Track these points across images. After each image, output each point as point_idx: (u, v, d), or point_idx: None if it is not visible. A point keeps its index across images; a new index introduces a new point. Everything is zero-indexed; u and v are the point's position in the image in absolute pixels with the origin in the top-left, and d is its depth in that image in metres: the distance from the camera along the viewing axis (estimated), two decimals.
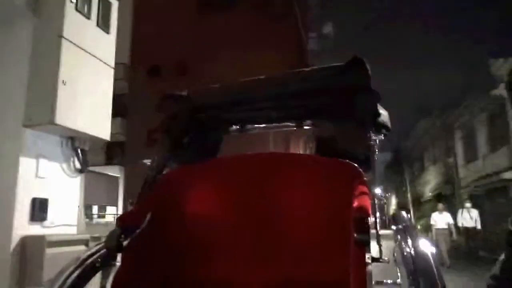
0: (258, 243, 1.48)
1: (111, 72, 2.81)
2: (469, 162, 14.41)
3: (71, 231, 2.61)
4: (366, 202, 1.29)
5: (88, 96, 2.56)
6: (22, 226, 2.27)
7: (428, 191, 19.05)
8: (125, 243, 1.43)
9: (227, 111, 1.86)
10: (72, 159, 2.65)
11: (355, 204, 1.28)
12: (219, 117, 1.89)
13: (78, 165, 2.68)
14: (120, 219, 1.49)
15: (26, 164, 2.32)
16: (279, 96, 1.74)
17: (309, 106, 1.76)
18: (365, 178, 1.48)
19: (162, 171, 1.79)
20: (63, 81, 2.34)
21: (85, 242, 2.53)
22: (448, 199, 14.70)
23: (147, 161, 1.87)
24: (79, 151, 2.66)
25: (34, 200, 2.34)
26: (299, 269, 1.34)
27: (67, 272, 1.32)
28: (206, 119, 1.87)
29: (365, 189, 1.38)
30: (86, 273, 1.37)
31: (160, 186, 1.66)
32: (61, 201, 2.54)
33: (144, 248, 1.44)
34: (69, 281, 1.28)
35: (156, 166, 1.78)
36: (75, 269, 1.34)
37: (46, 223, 2.41)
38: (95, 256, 1.41)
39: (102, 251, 1.43)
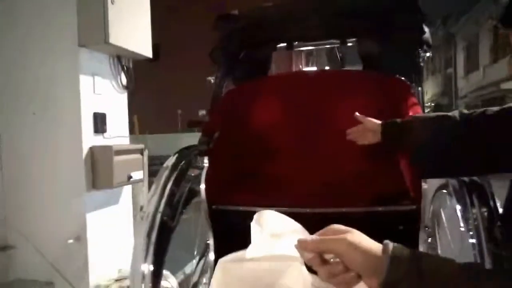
0: (316, 148, 1.75)
1: None
2: (468, 73, 14.53)
3: (125, 141, 2.91)
4: (420, 111, 1.51)
5: (131, 15, 2.67)
6: (89, 138, 2.54)
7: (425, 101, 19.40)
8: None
9: (276, 29, 2.02)
10: (119, 76, 2.84)
11: (410, 113, 1.48)
12: (268, 35, 2.06)
13: (124, 82, 2.88)
14: (205, 129, 1.76)
15: (84, 82, 2.51)
16: (325, 14, 1.89)
17: (356, 23, 1.91)
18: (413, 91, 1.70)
19: (223, 86, 2.01)
20: (111, 0, 2.44)
21: (140, 151, 2.85)
22: (445, 110, 15.10)
23: (211, 78, 2.09)
24: (125, 68, 2.84)
25: (95, 115, 2.58)
26: (355, 177, 1.56)
27: (164, 178, 1.50)
28: (257, 36, 2.04)
29: (415, 100, 1.60)
30: (180, 177, 1.53)
31: (226, 100, 1.91)
32: (114, 115, 2.78)
33: (223, 150, 1.73)
34: (169, 184, 1.47)
35: (219, 82, 2.00)
36: (171, 173, 1.54)
37: (106, 134, 2.68)
38: (183, 162, 1.63)
39: (186, 158, 1.66)
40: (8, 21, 2.57)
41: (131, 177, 2.70)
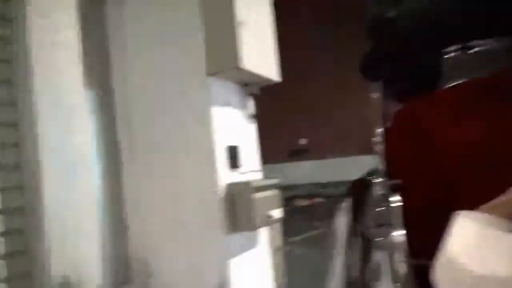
0: None
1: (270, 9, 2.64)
2: None
3: (258, 176, 2.62)
4: None
5: (258, 36, 2.43)
6: (224, 173, 2.29)
7: None
8: None
9: (454, 28, 1.60)
10: (246, 104, 2.60)
11: None
12: (442, 35, 1.64)
13: (252, 111, 2.64)
14: (387, 157, 1.37)
15: (216, 113, 2.30)
16: None
17: None
18: None
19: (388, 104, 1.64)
20: (240, 21, 2.23)
21: (276, 186, 2.53)
22: None
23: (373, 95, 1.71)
24: (252, 96, 2.61)
25: (229, 148, 2.34)
26: None
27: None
28: (427, 39, 1.63)
29: None
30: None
31: (404, 119, 1.50)
32: (246, 147, 2.52)
33: (416, 182, 1.30)
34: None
35: (383, 100, 1.62)
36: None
37: (240, 169, 2.42)
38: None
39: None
40: (135, 51, 2.50)
41: (270, 216, 2.37)
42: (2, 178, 1.71)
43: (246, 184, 2.25)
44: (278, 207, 2.48)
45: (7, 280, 1.58)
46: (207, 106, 2.27)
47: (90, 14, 2.36)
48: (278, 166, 9.84)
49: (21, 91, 1.72)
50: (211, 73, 2.27)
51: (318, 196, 8.37)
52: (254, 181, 2.32)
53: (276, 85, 2.64)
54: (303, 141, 9.29)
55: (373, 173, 1.42)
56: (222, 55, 2.24)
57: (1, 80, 1.61)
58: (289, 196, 8.10)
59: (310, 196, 8.45)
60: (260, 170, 2.65)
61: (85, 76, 2.23)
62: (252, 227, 2.22)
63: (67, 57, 2.00)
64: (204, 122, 2.27)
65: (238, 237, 2.28)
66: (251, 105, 2.62)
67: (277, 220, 2.48)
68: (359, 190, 1.39)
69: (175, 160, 2.35)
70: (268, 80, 2.54)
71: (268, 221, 2.36)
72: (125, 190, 2.38)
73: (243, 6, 2.29)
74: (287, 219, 2.63)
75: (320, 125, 8.41)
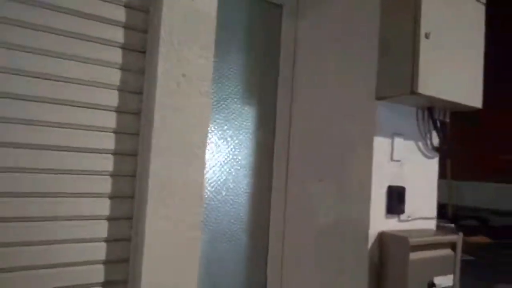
0: None
1: (482, 11, 1.98)
2: None
3: (430, 225, 2.08)
4: None
5: (454, 50, 1.86)
6: (379, 220, 1.89)
7: None
8: None
9: None
10: (428, 135, 2.06)
11: None
12: None
13: (436, 143, 2.08)
14: None
15: (380, 145, 1.90)
16: None
17: None
18: None
19: None
20: (425, 34, 1.73)
21: (452, 245, 1.95)
22: None
23: None
24: (438, 124, 2.05)
25: (390, 189, 1.91)
26: None
27: None
28: None
29: None
30: None
31: None
32: (418, 189, 2.02)
33: None
34: None
35: None
36: None
37: (403, 216, 1.96)
38: None
39: None
40: (303, 65, 2.31)
41: (433, 284, 1.84)
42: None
43: (403, 240, 1.79)
44: (449, 272, 1.91)
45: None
46: (369, 137, 1.89)
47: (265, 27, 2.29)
48: (498, 187, 8.12)
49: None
50: (379, 97, 1.87)
51: None
52: (415, 239, 1.82)
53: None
54: None
55: None
56: (396, 75, 1.80)
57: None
58: (505, 226, 6.49)
59: None
60: (434, 218, 2.10)
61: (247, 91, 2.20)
62: None
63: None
64: (364, 155, 1.91)
65: None
66: (437, 135, 2.07)
67: None
68: None
69: (328, 191, 2.08)
70: (462, 106, 1.93)
71: None
72: (271, 214, 2.27)
73: (435, 11, 1.76)
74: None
75: None
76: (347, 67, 2.03)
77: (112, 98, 1.41)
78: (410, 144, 2.00)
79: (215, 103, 2.08)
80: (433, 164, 2.10)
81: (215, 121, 2.10)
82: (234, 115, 2.19)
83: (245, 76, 2.24)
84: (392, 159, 1.93)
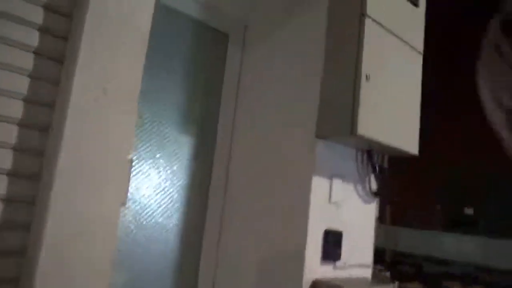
0: None
1: (419, 60, 2.02)
2: None
3: (366, 273, 1.99)
4: None
5: (393, 95, 1.86)
6: (314, 266, 1.77)
7: None
8: None
9: None
10: (367, 178, 2.01)
11: None
12: None
13: (374, 187, 2.04)
14: None
15: (318, 186, 1.81)
16: None
17: None
18: None
19: None
20: (366, 75, 1.71)
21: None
22: None
23: None
24: (376, 169, 2.01)
25: (327, 233, 1.81)
26: None
27: None
28: None
29: None
30: None
31: None
32: (356, 233, 1.94)
33: None
34: None
35: None
36: None
37: (338, 263, 1.85)
38: None
39: None
40: (245, 94, 2.22)
41: None
42: None
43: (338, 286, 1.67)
44: None
45: None
46: (307, 176, 1.80)
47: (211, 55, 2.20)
48: (432, 234, 8.44)
49: None
50: (320, 135, 1.80)
51: (476, 281, 6.64)
52: (353, 281, 1.72)
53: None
54: (469, 211, 7.81)
55: None
56: (337, 114, 1.75)
57: None
58: (439, 273, 6.68)
59: (465, 278, 6.78)
60: (369, 266, 2.01)
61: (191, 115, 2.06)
62: None
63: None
64: (300, 196, 1.80)
65: None
66: (375, 179, 2.03)
67: None
68: None
69: (264, 233, 1.94)
70: (400, 151, 1.92)
71: None
72: (202, 255, 2.08)
73: (376, 55, 1.76)
74: None
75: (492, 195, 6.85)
76: (289, 103, 1.97)
77: (17, 109, 1.20)
78: (349, 186, 1.94)
79: (147, 125, 1.92)
80: (371, 209, 2.05)
81: (146, 146, 1.92)
82: (168, 141, 2.03)
83: (185, 102, 2.11)
84: (330, 201, 1.85)
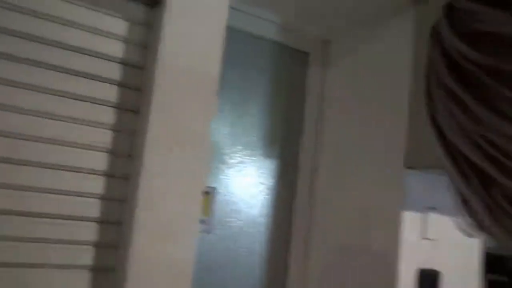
0: None
1: None
2: None
3: None
4: None
5: None
6: None
7: None
8: None
9: None
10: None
11: None
12: None
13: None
14: None
15: (410, 220, 1.63)
16: None
17: None
18: None
19: None
20: None
21: None
22: None
23: None
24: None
25: (421, 273, 1.63)
26: None
27: None
28: None
29: None
30: None
31: None
32: (456, 273, 1.71)
33: None
34: None
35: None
36: None
37: None
38: None
39: None
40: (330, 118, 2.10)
41: None
42: None
43: None
44: None
45: None
46: (397, 211, 1.64)
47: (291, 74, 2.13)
48: None
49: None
50: (410, 166, 1.62)
51: None
52: None
53: None
54: None
55: None
56: (427, 142, 1.55)
57: None
58: None
59: None
60: None
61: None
62: None
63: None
64: (390, 232, 1.65)
65: None
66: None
67: None
68: None
69: (351, 265, 1.82)
70: None
71: None
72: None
73: None
74: None
75: None
76: (375, 129, 1.81)
77: (100, 161, 1.28)
78: (446, 220, 1.71)
79: (228, 152, 1.92)
80: (476, 244, 1.79)
81: (225, 172, 1.93)
82: (249, 168, 2.01)
83: (266, 126, 2.08)
84: (424, 237, 1.65)
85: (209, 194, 1.83)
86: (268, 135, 2.06)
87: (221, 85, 1.72)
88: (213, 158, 1.83)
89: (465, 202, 0.34)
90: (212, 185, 1.85)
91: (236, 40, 1.81)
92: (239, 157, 1.99)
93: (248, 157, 2.02)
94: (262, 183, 2.05)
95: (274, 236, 2.02)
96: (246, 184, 2.00)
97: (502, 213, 0.29)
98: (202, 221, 1.80)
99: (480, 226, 0.36)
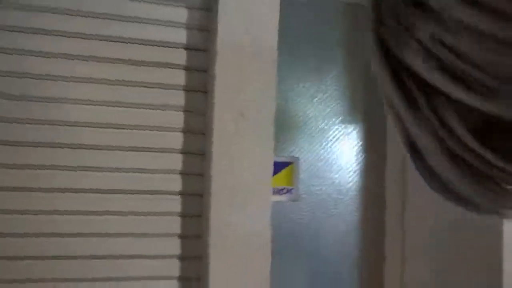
0: None
1: None
2: None
3: None
4: None
5: None
6: None
7: None
8: None
9: None
10: None
11: None
12: None
13: None
14: None
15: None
16: None
17: None
18: None
19: None
20: None
21: None
22: None
23: None
24: None
25: None
26: None
27: None
28: None
29: None
30: None
31: None
32: None
33: None
34: None
35: None
36: None
37: None
38: None
39: None
40: None
41: None
42: None
43: None
44: None
45: None
46: (494, 262, 1.44)
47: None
48: None
49: None
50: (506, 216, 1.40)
51: None
52: None
53: None
54: None
55: None
56: None
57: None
58: None
59: None
60: None
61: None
62: None
63: None
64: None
65: None
66: None
67: None
68: None
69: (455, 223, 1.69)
70: None
71: None
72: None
73: None
74: None
75: None
76: None
77: (177, 140, 1.42)
78: None
79: (310, 121, 1.93)
80: None
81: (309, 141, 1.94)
82: (334, 135, 1.99)
83: (348, 91, 2.01)
84: None
85: (293, 163, 1.88)
86: (351, 100, 1.99)
87: (298, 55, 1.73)
88: (294, 129, 1.86)
89: (412, 144, 0.27)
90: (295, 155, 1.88)
91: (310, 8, 1.78)
92: (324, 125, 1.98)
93: (332, 125, 2.00)
94: (349, 150, 2.01)
95: (368, 202, 1.99)
96: (332, 151, 1.98)
97: (463, 150, 0.22)
98: (288, 190, 1.86)
99: (434, 179, 0.28)
